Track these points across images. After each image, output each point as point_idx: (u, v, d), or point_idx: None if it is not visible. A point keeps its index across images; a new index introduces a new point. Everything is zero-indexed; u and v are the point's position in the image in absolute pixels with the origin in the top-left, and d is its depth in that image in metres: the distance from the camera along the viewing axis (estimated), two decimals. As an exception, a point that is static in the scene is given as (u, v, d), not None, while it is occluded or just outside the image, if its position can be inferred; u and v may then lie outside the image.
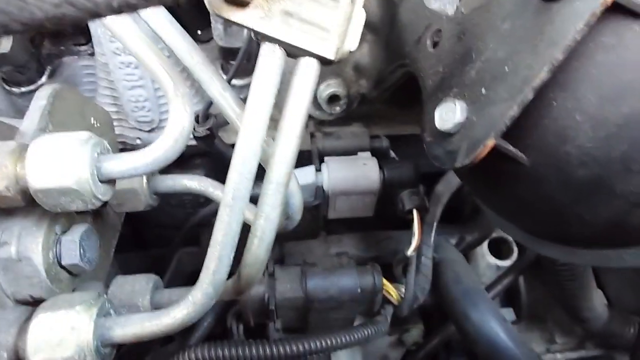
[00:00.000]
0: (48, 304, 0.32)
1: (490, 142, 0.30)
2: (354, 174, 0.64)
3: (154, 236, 0.83)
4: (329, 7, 0.32)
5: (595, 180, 0.30)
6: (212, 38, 0.63)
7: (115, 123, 0.65)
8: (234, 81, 0.64)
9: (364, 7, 0.34)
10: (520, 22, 0.30)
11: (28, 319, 0.31)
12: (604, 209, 0.31)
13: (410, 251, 0.58)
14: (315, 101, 0.67)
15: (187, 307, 0.32)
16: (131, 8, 0.22)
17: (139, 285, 0.42)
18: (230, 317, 0.66)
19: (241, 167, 0.31)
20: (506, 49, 0.30)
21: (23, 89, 0.59)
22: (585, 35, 0.27)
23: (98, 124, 0.51)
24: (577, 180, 0.30)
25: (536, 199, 0.34)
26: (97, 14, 0.22)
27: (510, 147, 0.32)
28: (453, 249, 0.75)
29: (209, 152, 0.68)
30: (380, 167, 0.65)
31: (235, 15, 0.29)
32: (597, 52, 0.28)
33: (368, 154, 0.68)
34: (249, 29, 0.30)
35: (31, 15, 0.20)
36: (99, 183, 0.32)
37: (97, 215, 0.48)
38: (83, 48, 0.63)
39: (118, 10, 0.22)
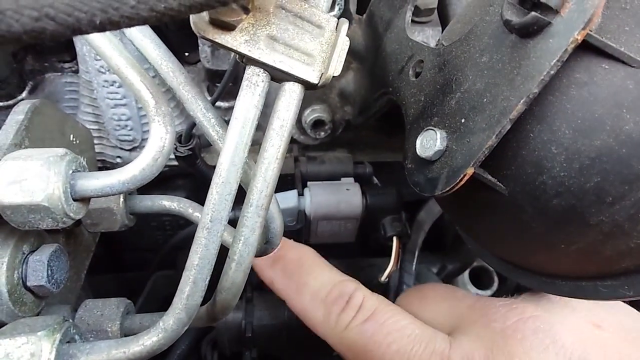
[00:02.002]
0: (8, 329, 0.30)
1: (470, 171, 0.31)
2: (336, 199, 0.64)
3: (131, 259, 0.81)
4: (314, 34, 0.32)
5: (570, 210, 0.30)
6: (199, 60, 0.63)
7: (95, 141, 0.64)
8: (220, 103, 0.64)
9: (350, 36, 0.35)
10: (498, 56, 0.31)
11: (-16, 344, 0.29)
12: (578, 239, 0.31)
13: (383, 277, 0.57)
14: (300, 126, 0.68)
15: (157, 333, 0.31)
16: (114, 25, 0.22)
17: (108, 309, 0.40)
18: (205, 345, 0.63)
19: (221, 189, 0.31)
20: (484, 81, 0.31)
21: (1, 104, 0.58)
22: (559, 70, 0.28)
23: (77, 141, 0.50)
24: (552, 210, 0.31)
25: (514, 227, 0.35)
26: (79, 30, 0.21)
27: (489, 177, 0.33)
28: (434, 277, 0.75)
29: (191, 173, 0.67)
30: (363, 193, 0.65)
31: (221, 37, 0.29)
32: (571, 88, 0.29)
33: (351, 179, 0.68)
34: (234, 52, 0.30)
35: (8, 28, 0.20)
36: (72, 201, 0.31)
37: (70, 234, 0.46)
38: (67, 65, 0.63)
39: (100, 28, 0.22)
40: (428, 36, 0.62)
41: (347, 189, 0.64)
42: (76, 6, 0.21)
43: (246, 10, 0.29)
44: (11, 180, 0.29)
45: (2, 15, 0.19)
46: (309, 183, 0.66)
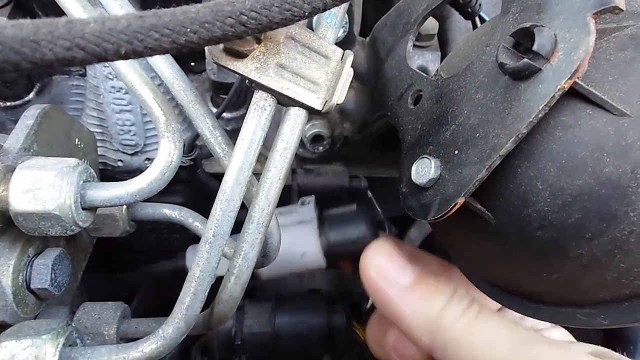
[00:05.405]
0: (13, 330, 0.31)
1: (460, 201, 0.33)
2: (288, 252, 0.51)
3: (125, 259, 0.81)
4: (321, 63, 0.34)
5: (552, 243, 0.32)
6: (204, 70, 0.65)
7: (98, 144, 0.65)
8: (223, 114, 0.66)
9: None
10: (492, 94, 0.33)
11: (-10, 345, 0.30)
12: (558, 269, 0.33)
13: (368, 305, 0.56)
14: (299, 139, 0.70)
15: (156, 341, 0.32)
16: (137, 55, 0.24)
17: (106, 313, 0.41)
18: (194, 351, 0.64)
19: (225, 205, 0.32)
20: (478, 117, 0.33)
21: (8, 104, 0.59)
22: (547, 113, 0.30)
23: (82, 145, 0.51)
24: (536, 241, 0.33)
25: (499, 254, 0.37)
26: (105, 59, 0.23)
27: (479, 206, 0.35)
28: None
29: (190, 180, 0.69)
30: (324, 224, 0.49)
31: (233, 64, 0.31)
32: (557, 129, 0.31)
33: (311, 208, 0.54)
34: (245, 78, 0.32)
35: (42, 56, 0.21)
36: (81, 210, 0.33)
37: (71, 237, 0.48)
38: (75, 68, 0.64)
39: (125, 57, 0.24)
40: (427, 60, 0.65)
41: (302, 249, 0.48)
42: (104, 37, 0.22)
43: (258, 41, 0.31)
44: (26, 189, 0.30)
45: (37, 45, 0.21)
46: None
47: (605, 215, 0.30)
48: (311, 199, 0.53)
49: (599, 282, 0.33)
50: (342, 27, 0.55)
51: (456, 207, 0.33)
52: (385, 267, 0.38)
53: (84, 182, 0.33)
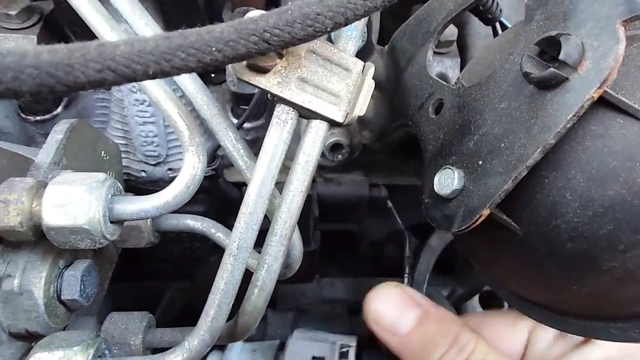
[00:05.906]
0: (45, 342, 0.32)
1: (486, 212, 0.32)
2: None
3: (147, 268, 0.83)
4: (342, 76, 0.34)
5: (582, 255, 0.31)
6: (224, 81, 0.66)
7: (122, 155, 0.66)
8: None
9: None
10: (516, 104, 0.32)
11: (24, 355, 0.31)
12: (590, 282, 0.32)
13: None
14: (318, 148, 0.70)
15: (182, 353, 0.33)
16: (165, 75, 0.25)
17: (132, 323, 0.42)
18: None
19: (248, 219, 0.33)
20: (502, 127, 0.33)
21: (38, 118, 0.61)
22: (575, 122, 0.29)
23: (107, 157, 0.53)
24: (565, 253, 0.32)
25: (526, 266, 0.36)
26: (134, 79, 0.24)
27: (504, 217, 0.34)
28: (445, 301, 0.75)
29: (211, 189, 0.70)
30: None
31: (256, 80, 0.31)
32: (586, 139, 0.30)
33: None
34: (268, 92, 0.32)
35: (75, 79, 0.22)
36: (109, 223, 0.33)
37: (98, 249, 0.49)
38: (100, 83, 0.66)
39: (152, 77, 0.24)
40: (447, 67, 0.64)
41: None
42: (134, 59, 0.23)
43: (280, 56, 0.31)
44: (57, 204, 0.31)
45: (70, 68, 0.22)
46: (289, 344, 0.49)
47: (639, 226, 0.29)
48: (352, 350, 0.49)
49: (632, 296, 0.32)
50: (360, 36, 0.55)
51: (481, 219, 0.33)
52: (384, 315, 0.39)
53: (111, 196, 0.34)
